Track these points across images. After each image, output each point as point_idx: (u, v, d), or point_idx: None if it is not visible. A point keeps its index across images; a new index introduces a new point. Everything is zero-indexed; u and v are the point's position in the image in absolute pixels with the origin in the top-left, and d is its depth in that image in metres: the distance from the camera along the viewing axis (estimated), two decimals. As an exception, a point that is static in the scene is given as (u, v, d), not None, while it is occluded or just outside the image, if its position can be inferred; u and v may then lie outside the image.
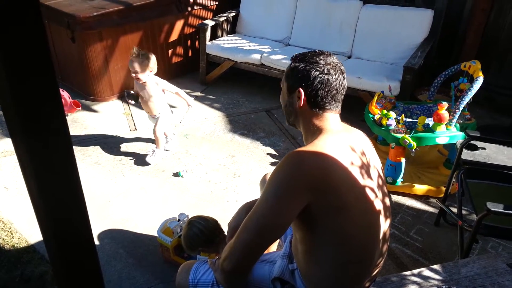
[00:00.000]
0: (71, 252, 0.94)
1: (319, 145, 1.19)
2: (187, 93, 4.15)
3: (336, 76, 1.25)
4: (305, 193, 1.11)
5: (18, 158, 0.80)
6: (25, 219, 2.49)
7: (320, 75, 1.23)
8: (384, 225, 1.29)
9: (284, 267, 1.39)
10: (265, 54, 3.92)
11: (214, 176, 2.95)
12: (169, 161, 3.12)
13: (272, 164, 3.10)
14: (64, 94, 3.58)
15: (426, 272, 1.71)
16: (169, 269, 2.18)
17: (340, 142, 1.22)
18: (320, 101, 1.25)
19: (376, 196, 1.24)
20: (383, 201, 1.28)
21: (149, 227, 2.44)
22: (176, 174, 2.96)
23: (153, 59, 2.84)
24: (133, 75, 2.81)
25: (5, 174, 2.90)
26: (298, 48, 4.13)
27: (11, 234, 2.38)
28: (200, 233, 1.82)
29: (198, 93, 4.25)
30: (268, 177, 1.91)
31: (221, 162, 3.12)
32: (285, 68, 1.35)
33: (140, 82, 2.85)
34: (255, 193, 2.74)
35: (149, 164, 3.03)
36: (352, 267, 1.24)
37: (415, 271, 1.72)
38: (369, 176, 1.24)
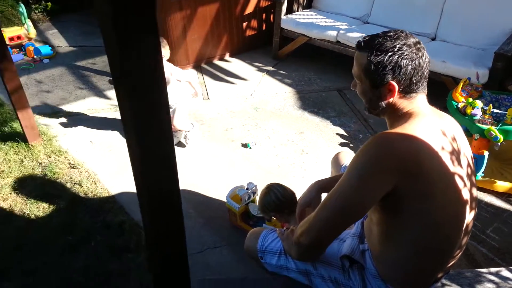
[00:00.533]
0: (161, 213, 1.01)
1: (410, 128, 1.14)
2: (258, 67, 4.19)
3: (424, 57, 1.18)
4: (394, 176, 1.08)
5: (122, 119, 0.86)
6: (108, 172, 2.70)
7: (411, 62, 1.16)
8: (469, 216, 1.24)
9: (354, 246, 1.39)
10: (341, 31, 3.81)
11: (282, 151, 2.98)
12: (239, 131, 3.19)
13: (342, 144, 3.06)
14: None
15: (505, 272, 1.61)
16: (235, 233, 2.27)
17: (431, 126, 1.18)
18: (414, 86, 1.19)
19: (465, 185, 1.19)
20: (470, 191, 1.23)
21: (218, 192, 2.54)
22: (245, 145, 3.03)
23: (166, 45, 2.71)
24: None
25: (91, 130, 3.14)
26: (377, 26, 3.97)
27: (95, 184, 2.59)
28: (276, 199, 1.87)
29: (270, 68, 4.26)
30: (341, 157, 1.90)
31: (289, 137, 3.14)
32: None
33: None
34: (322, 171, 2.74)
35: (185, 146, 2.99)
36: (431, 255, 1.21)
37: (493, 269, 1.63)
38: (459, 163, 1.18)
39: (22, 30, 4.46)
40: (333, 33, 3.85)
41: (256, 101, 3.65)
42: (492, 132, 2.36)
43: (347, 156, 1.88)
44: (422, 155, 1.10)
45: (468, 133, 2.75)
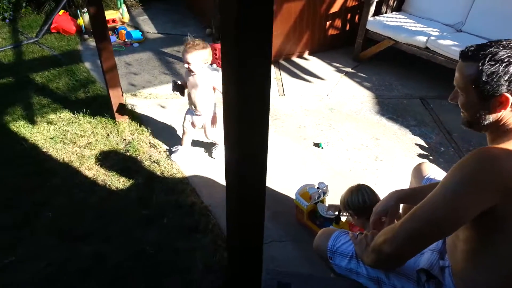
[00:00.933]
0: (246, 205, 1.03)
1: None
2: (337, 67, 4.11)
3: None
4: (494, 195, 1.01)
5: (224, 105, 0.89)
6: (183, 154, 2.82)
7: None
8: None
9: (434, 261, 1.32)
10: (432, 38, 3.62)
11: (355, 155, 2.91)
12: (312, 130, 3.16)
13: (420, 155, 2.92)
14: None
15: None
16: (301, 230, 2.26)
17: None
18: None
19: None
20: None
21: (286, 187, 2.55)
22: (317, 145, 3.00)
23: (208, 49, 2.52)
24: (186, 66, 2.50)
25: (171, 113, 3.30)
26: (472, 36, 3.71)
27: (171, 165, 2.72)
28: (363, 201, 1.83)
29: (349, 69, 4.17)
30: (424, 167, 1.81)
31: (363, 142, 3.05)
32: (458, 61, 1.17)
33: (192, 74, 2.55)
34: (397, 181, 2.63)
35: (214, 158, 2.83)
36: None
37: None
38: None
39: (117, 14, 4.79)
40: (423, 38, 3.66)
41: (332, 101, 3.59)
42: None
43: (431, 168, 1.78)
44: None
45: None
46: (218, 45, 3.87)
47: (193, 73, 2.54)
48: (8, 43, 4.38)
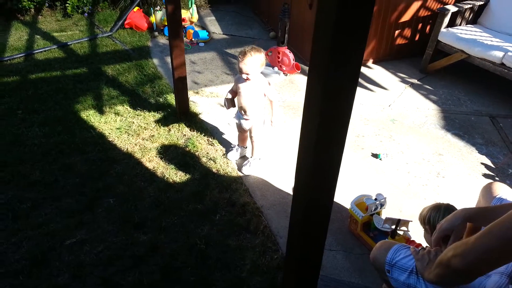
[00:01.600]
0: (313, 216, 1.03)
1: None
2: (402, 77, 3.97)
3: None
4: None
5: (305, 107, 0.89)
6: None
7: None
8: None
9: (502, 285, 1.24)
10: (509, 53, 3.39)
11: (415, 169, 2.79)
12: (371, 140, 3.08)
13: (486, 175, 2.74)
14: (290, 55, 3.88)
15: None
16: (352, 241, 2.21)
17: None
18: None
19: None
20: None
21: (341, 196, 2.50)
22: (375, 156, 2.91)
23: (262, 53, 2.46)
24: (245, 76, 2.45)
25: (229, 113, 3.36)
26: (555, 53, 3.43)
27: (227, 163, 2.77)
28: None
29: (415, 80, 4.01)
30: (494, 187, 1.70)
31: (425, 157, 2.92)
32: None
33: (247, 80, 2.48)
34: (459, 199, 2.49)
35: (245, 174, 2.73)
36: None
37: None
38: None
39: (187, 14, 4.97)
40: (499, 54, 3.44)
41: (394, 112, 3.48)
42: None
43: (503, 188, 1.67)
44: None
45: None
46: (282, 49, 3.89)
47: (248, 80, 2.48)
48: (85, 35, 4.69)
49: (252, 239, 2.20)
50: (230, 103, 2.65)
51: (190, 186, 2.56)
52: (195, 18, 5.05)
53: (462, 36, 3.78)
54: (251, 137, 2.72)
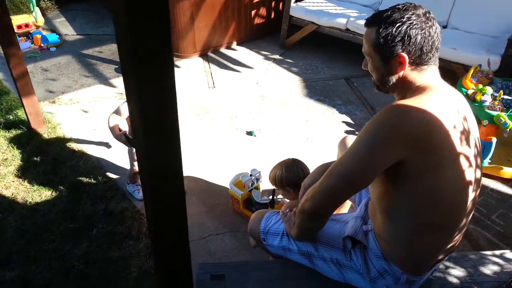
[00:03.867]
0: (163, 194, 0.99)
1: (422, 100, 1.11)
2: (265, 55, 4.12)
3: (435, 27, 1.15)
4: (403, 147, 1.06)
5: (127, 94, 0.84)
6: (111, 160, 2.69)
7: (420, 32, 1.13)
8: (471, 195, 1.21)
9: (357, 227, 1.36)
10: (351, 19, 3.73)
11: (286, 138, 2.94)
12: (244, 119, 3.15)
13: (347, 132, 3.01)
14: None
15: (509, 254, 1.57)
16: (237, 220, 2.24)
17: (444, 100, 1.14)
18: (425, 57, 1.15)
19: (470, 165, 1.15)
20: (475, 172, 1.19)
21: (221, 179, 2.51)
22: (250, 133, 2.99)
23: None
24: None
25: (95, 117, 3.14)
26: (387, 14, 3.87)
27: (98, 171, 2.58)
28: (296, 174, 1.83)
29: (277, 56, 4.20)
30: (348, 140, 1.86)
31: (294, 125, 3.09)
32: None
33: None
34: (328, 159, 2.68)
35: None
36: (432, 231, 1.19)
37: (497, 252, 1.60)
38: (467, 143, 1.15)
39: (30, 18, 4.46)
40: (343, 20, 3.77)
41: (262, 89, 3.60)
42: (501, 118, 2.29)
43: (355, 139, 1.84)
44: (433, 129, 1.07)
45: (477, 120, 2.67)
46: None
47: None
48: None
49: (136, 244, 2.10)
50: (126, 138, 2.16)
51: (58, 205, 2.32)
52: (41, 21, 4.57)
53: (310, 8, 4.05)
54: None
